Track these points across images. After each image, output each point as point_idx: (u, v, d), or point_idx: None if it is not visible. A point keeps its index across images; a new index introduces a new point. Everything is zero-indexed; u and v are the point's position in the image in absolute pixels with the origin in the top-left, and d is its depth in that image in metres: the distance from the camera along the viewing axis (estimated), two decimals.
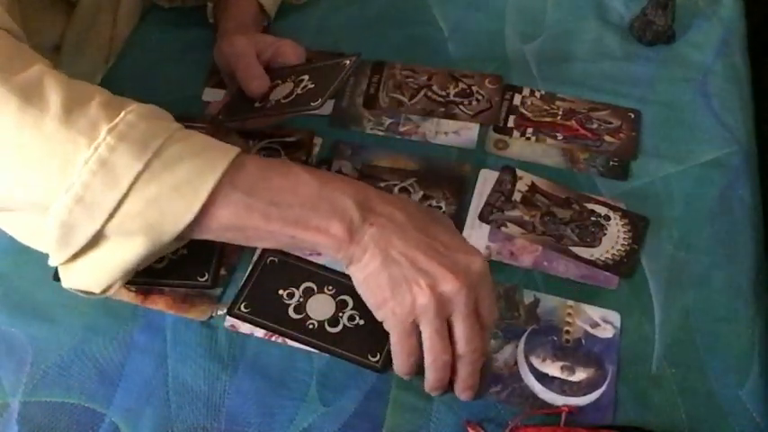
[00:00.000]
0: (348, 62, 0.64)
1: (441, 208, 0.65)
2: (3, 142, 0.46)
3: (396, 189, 0.67)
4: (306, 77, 0.65)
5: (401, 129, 0.72)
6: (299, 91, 0.64)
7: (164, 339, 0.58)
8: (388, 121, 0.72)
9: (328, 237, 0.49)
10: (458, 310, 0.49)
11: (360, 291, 0.52)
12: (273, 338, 0.58)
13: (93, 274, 0.50)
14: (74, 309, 0.59)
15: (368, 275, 0.50)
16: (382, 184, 0.67)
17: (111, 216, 0.46)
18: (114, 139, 0.45)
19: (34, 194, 0.47)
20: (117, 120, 0.46)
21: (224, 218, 0.48)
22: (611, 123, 0.72)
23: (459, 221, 0.64)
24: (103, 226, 0.46)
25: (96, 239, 0.47)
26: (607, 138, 0.70)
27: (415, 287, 0.48)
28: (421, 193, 0.66)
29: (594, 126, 0.71)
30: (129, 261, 0.49)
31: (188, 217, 0.47)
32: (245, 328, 0.58)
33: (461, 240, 0.52)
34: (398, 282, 0.49)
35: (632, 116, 0.72)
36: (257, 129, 0.71)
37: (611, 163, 0.69)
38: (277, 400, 0.55)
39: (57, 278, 0.61)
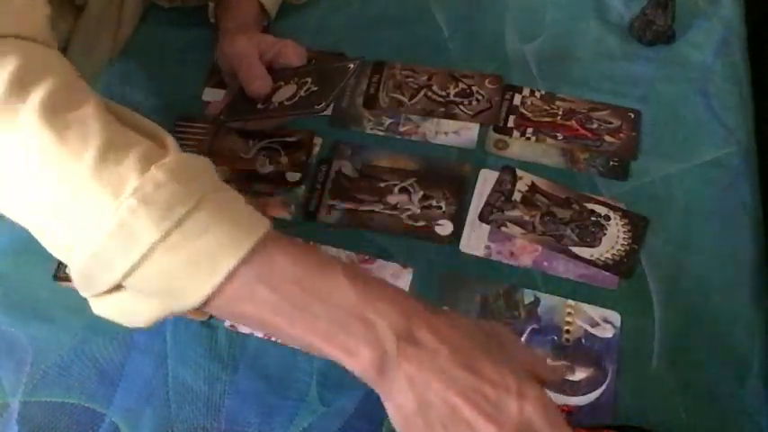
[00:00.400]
0: (352, 65, 0.64)
1: (441, 208, 0.65)
2: (38, 180, 0.44)
3: (396, 189, 0.67)
4: (309, 80, 0.65)
5: (401, 129, 0.72)
6: (302, 93, 0.64)
7: (164, 339, 0.58)
8: (388, 121, 0.72)
9: (355, 361, 0.43)
10: None
11: (392, 423, 0.45)
12: (273, 338, 0.58)
13: (120, 313, 0.48)
14: (74, 309, 0.59)
15: (401, 416, 0.43)
16: (382, 185, 0.67)
17: (127, 275, 0.43)
18: (137, 201, 0.42)
19: (58, 238, 0.45)
20: (144, 178, 0.43)
21: (245, 309, 0.44)
22: (611, 123, 0.72)
23: (459, 221, 0.64)
24: (120, 281, 0.44)
25: (117, 288, 0.45)
26: (607, 138, 0.70)
27: None
28: (421, 193, 0.66)
29: (594, 126, 0.71)
30: (149, 316, 0.46)
31: (199, 296, 0.43)
32: (245, 328, 0.58)
33: (516, 374, 0.44)
34: (436, 431, 0.43)
35: (632, 116, 0.72)
36: (257, 129, 0.71)
37: (611, 163, 0.69)
38: (277, 400, 0.55)
39: (57, 278, 0.61)
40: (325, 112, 0.72)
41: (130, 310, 0.46)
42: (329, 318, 0.43)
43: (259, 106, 0.65)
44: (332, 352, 0.43)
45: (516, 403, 0.42)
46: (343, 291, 0.44)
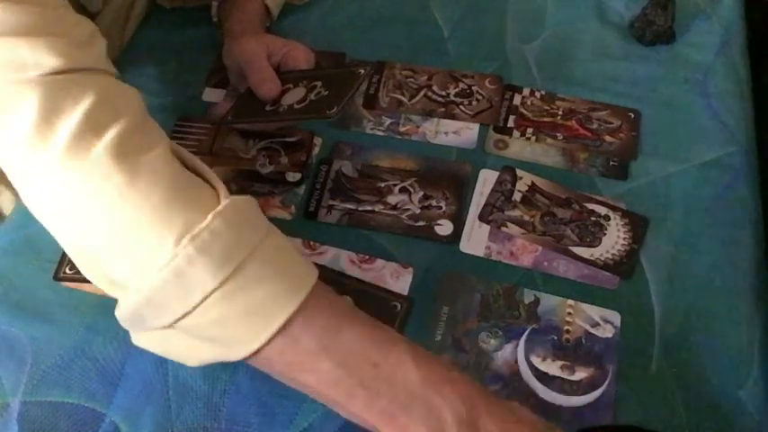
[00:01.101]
0: (363, 71, 0.64)
1: (441, 208, 0.65)
2: (101, 215, 0.44)
3: (396, 189, 0.67)
4: (318, 84, 0.64)
5: (401, 129, 0.72)
6: (312, 97, 0.63)
7: None
8: (388, 121, 0.72)
9: None
10: None
11: None
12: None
13: (164, 350, 0.48)
14: (74, 309, 0.59)
15: None
16: (382, 185, 0.67)
17: (179, 320, 0.44)
18: (194, 249, 0.42)
19: (114, 273, 0.45)
20: (202, 226, 0.43)
21: (305, 379, 0.45)
22: (611, 123, 0.72)
23: (459, 221, 0.64)
24: (172, 325, 0.44)
25: (167, 329, 0.45)
26: (607, 138, 0.70)
27: None
28: (421, 193, 0.66)
29: (594, 126, 0.71)
30: (199, 359, 0.46)
31: (251, 346, 0.43)
32: None
33: None
34: None
35: (632, 116, 0.72)
36: (258, 129, 0.71)
37: (611, 163, 0.69)
38: (277, 400, 0.55)
39: (57, 278, 0.61)
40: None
41: (177, 348, 0.47)
42: (391, 397, 0.43)
43: (267, 108, 0.65)
44: (383, 429, 0.43)
45: None
46: (407, 370, 0.43)
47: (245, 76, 0.67)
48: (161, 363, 0.57)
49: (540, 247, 0.63)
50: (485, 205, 0.65)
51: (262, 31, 0.73)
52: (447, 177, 0.67)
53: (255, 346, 0.43)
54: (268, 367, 0.46)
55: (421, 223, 0.64)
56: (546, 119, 0.72)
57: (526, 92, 0.74)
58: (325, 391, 0.44)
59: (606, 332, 0.58)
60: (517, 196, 0.66)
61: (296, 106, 0.63)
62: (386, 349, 0.44)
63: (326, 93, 0.63)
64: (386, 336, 0.46)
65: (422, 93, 0.74)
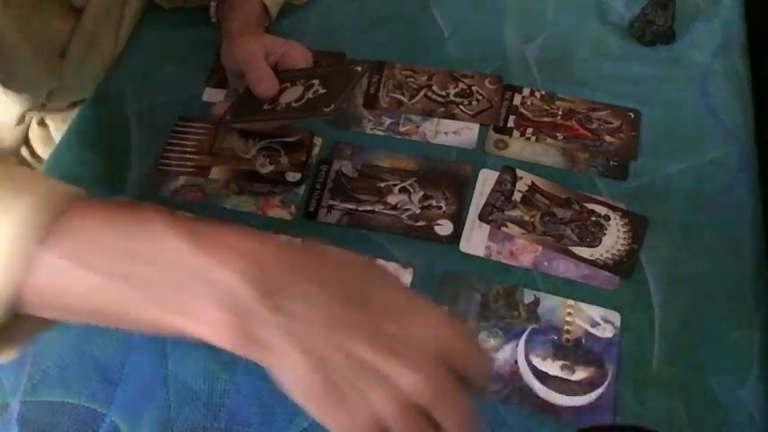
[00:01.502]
0: (360, 69, 0.64)
1: (441, 208, 0.65)
2: None
3: (396, 189, 0.67)
4: (316, 82, 0.64)
5: (401, 129, 0.72)
6: (309, 95, 0.63)
7: (164, 339, 0.58)
8: (388, 121, 0.72)
9: (202, 325, 0.35)
10: (434, 405, 0.36)
11: (291, 395, 0.37)
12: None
13: None
14: None
15: (295, 383, 0.36)
16: (382, 185, 0.67)
17: None
18: None
19: None
20: None
21: (67, 302, 0.36)
22: (611, 123, 0.72)
23: (459, 221, 0.64)
24: None
25: None
26: (607, 138, 0.70)
27: (368, 394, 0.35)
28: (421, 193, 0.66)
29: (594, 126, 0.71)
30: None
31: (9, 282, 0.35)
32: None
33: (405, 296, 0.39)
34: (341, 391, 0.35)
35: (632, 116, 0.72)
36: (259, 129, 0.71)
37: (612, 163, 0.69)
38: (277, 400, 0.55)
39: None
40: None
41: None
42: (167, 283, 0.35)
43: (265, 107, 0.65)
44: (172, 321, 0.35)
45: (422, 331, 0.36)
46: (172, 248, 0.36)
47: (243, 76, 0.67)
48: (161, 363, 0.57)
49: (540, 247, 0.63)
50: (485, 205, 0.65)
51: (260, 31, 0.73)
52: (447, 177, 0.67)
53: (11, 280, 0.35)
54: (44, 304, 0.37)
55: (421, 223, 0.64)
56: (546, 119, 0.72)
57: (526, 92, 0.74)
58: (107, 311, 0.37)
59: (606, 332, 0.58)
60: (517, 196, 0.66)
61: (293, 105, 0.63)
62: (142, 234, 0.36)
63: (324, 91, 0.63)
64: (137, 217, 0.37)
65: (422, 93, 0.74)
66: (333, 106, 0.60)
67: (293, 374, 0.36)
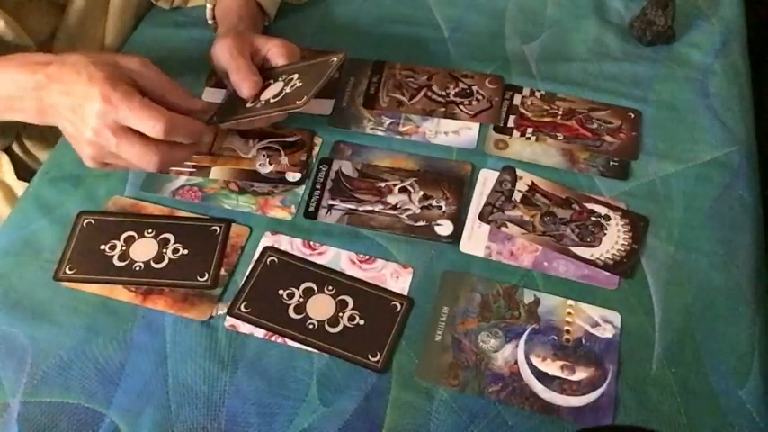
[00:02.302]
0: (335, 59, 0.64)
1: (441, 208, 0.65)
2: None
3: (396, 189, 0.67)
4: (295, 76, 0.65)
5: (401, 129, 0.72)
6: (287, 90, 0.64)
7: (164, 339, 0.58)
8: (388, 121, 0.72)
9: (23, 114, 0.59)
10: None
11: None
12: (273, 338, 0.58)
13: None
14: (74, 309, 0.59)
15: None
16: (382, 185, 0.67)
17: None
18: None
19: None
20: None
21: None
22: (611, 123, 0.72)
23: (459, 221, 0.64)
24: None
25: None
26: (607, 138, 0.70)
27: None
28: (421, 193, 0.66)
29: (594, 126, 0.71)
30: None
31: None
32: (245, 328, 0.58)
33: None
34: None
35: (632, 116, 0.72)
36: (257, 129, 0.71)
37: (612, 163, 0.69)
38: (277, 400, 0.55)
39: (57, 278, 0.61)
40: (324, 112, 0.73)
41: None
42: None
43: (248, 105, 0.65)
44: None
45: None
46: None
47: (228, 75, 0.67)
48: (161, 363, 0.57)
49: (540, 247, 0.63)
50: (485, 205, 0.65)
51: (255, 31, 0.73)
52: (447, 177, 0.67)
53: None
54: None
55: (421, 223, 0.64)
56: (546, 119, 0.72)
57: (526, 92, 0.74)
58: None
59: (606, 332, 0.58)
60: (517, 196, 0.66)
61: (272, 100, 0.63)
62: None
63: (301, 84, 0.63)
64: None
65: (422, 93, 0.74)
66: (305, 98, 0.60)
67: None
